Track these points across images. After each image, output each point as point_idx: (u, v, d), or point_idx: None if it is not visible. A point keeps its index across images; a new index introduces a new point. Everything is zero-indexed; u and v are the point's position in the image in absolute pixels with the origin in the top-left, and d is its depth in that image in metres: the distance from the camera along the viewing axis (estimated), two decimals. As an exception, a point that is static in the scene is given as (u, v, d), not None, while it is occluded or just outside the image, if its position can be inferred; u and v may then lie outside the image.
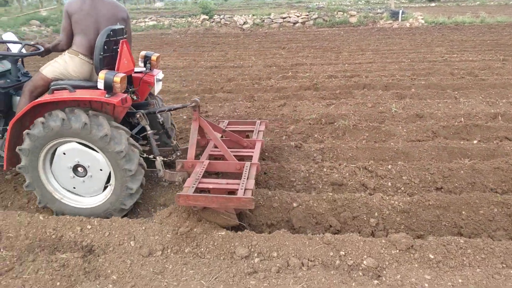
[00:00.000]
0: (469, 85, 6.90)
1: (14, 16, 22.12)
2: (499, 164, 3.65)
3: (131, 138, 3.12)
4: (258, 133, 3.93)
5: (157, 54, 3.74)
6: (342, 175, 3.73)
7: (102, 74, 2.93)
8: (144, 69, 3.68)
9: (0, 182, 3.91)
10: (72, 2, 3.13)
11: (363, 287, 2.30)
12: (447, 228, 3.01)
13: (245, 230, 2.88)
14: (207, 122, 3.46)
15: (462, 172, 3.63)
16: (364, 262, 2.50)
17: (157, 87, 3.73)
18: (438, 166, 3.73)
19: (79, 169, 3.19)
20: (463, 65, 8.80)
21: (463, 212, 3.05)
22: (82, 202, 3.29)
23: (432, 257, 2.49)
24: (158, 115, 3.71)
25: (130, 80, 3.58)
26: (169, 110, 3.65)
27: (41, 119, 3.02)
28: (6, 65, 3.56)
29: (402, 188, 3.58)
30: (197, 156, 3.51)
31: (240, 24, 20.15)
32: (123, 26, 3.28)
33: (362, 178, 3.70)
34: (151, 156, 3.39)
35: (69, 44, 3.23)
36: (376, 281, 2.35)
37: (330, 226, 3.07)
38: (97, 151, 3.09)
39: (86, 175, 3.19)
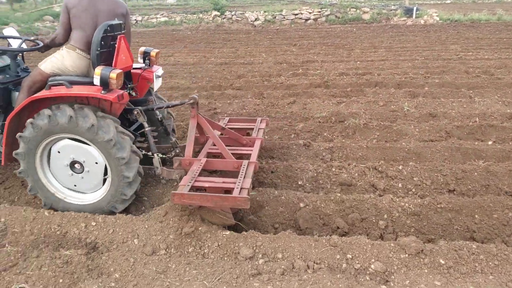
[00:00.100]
0: (484, 84, 6.71)
1: (28, 12, 22.40)
2: (515, 167, 3.53)
3: (120, 126, 3.06)
4: (258, 131, 3.86)
5: (156, 50, 3.70)
6: (351, 175, 3.65)
7: (98, 70, 2.89)
8: (143, 65, 3.64)
9: (8, 177, 3.92)
10: None
11: (370, 292, 2.23)
12: (459, 233, 2.91)
13: (250, 230, 2.82)
14: (206, 119, 3.41)
15: (476, 174, 3.52)
16: (372, 266, 2.42)
17: (157, 84, 3.69)
18: (451, 167, 3.62)
19: (76, 165, 3.18)
20: (478, 63, 8.58)
21: (476, 216, 2.95)
22: (85, 199, 3.28)
23: (442, 262, 2.41)
24: (157, 112, 3.66)
25: (129, 76, 3.55)
26: (167, 107, 3.61)
27: (30, 120, 3.02)
28: (6, 60, 3.55)
29: (413, 190, 3.48)
30: (197, 154, 3.47)
31: (251, 21, 20.04)
32: (121, 22, 3.24)
33: (372, 178, 3.61)
34: (149, 153, 3.36)
35: (66, 38, 3.21)
36: (383, 286, 2.28)
37: (338, 227, 3.00)
38: (89, 144, 3.06)
39: (83, 170, 3.17)
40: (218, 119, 4.12)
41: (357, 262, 2.47)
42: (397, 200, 3.13)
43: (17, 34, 3.68)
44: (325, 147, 4.29)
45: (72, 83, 3.03)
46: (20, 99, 3.16)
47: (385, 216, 3.03)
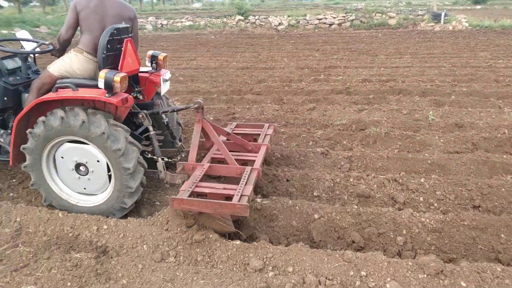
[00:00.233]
0: (515, 93, 6.41)
1: (59, 15, 23.15)
2: (547, 183, 3.30)
3: (112, 120, 3.05)
4: (265, 137, 3.79)
5: (164, 54, 3.69)
6: (370, 186, 3.51)
7: (103, 73, 2.90)
8: (150, 68, 3.64)
9: (27, 177, 3.98)
10: None
11: (384, 313, 2.10)
12: (483, 253, 2.73)
13: (261, 241, 2.74)
14: (211, 124, 3.37)
15: (503, 189, 3.31)
16: (387, 285, 2.29)
17: (164, 87, 3.67)
18: (476, 181, 3.43)
19: (81, 168, 3.20)
20: (509, 71, 8.21)
21: (502, 235, 2.76)
22: (96, 200, 3.27)
23: (464, 285, 2.25)
24: (163, 116, 3.65)
25: (136, 79, 3.55)
26: (173, 111, 3.59)
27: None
28: (17, 62, 3.62)
29: (435, 205, 3.32)
30: (202, 159, 3.43)
31: (275, 25, 20.02)
32: (128, 25, 3.25)
33: (392, 191, 3.46)
34: (155, 157, 3.34)
35: (69, 36, 3.20)
36: (399, 308, 2.15)
37: (353, 242, 2.87)
38: (87, 143, 3.07)
39: (88, 171, 3.18)
40: (226, 124, 4.06)
41: (371, 280, 2.34)
42: (418, 215, 2.98)
43: (30, 37, 3.74)
44: (343, 156, 4.16)
45: (79, 85, 3.05)
46: (28, 100, 3.21)
47: (404, 231, 2.88)
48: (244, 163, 3.35)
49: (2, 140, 3.51)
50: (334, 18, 19.82)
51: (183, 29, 21.10)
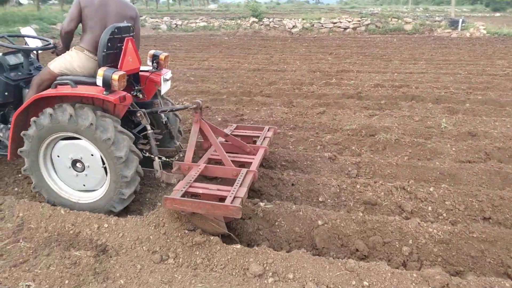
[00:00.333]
0: (532, 103, 6.23)
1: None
2: (562, 197, 3.17)
3: (100, 112, 3.04)
4: (264, 139, 3.75)
5: (165, 54, 3.68)
6: (377, 194, 3.43)
7: (101, 71, 2.90)
8: (151, 68, 3.64)
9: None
10: None
11: (385, 327, 2.03)
12: (492, 267, 2.62)
13: (262, 246, 2.68)
14: (208, 125, 3.34)
15: (516, 202, 3.19)
16: (390, 297, 2.21)
17: (165, 87, 3.67)
18: (488, 193, 3.32)
19: (78, 164, 3.20)
20: (527, 80, 8.01)
21: (514, 249, 2.65)
22: (96, 195, 3.26)
23: (471, 300, 2.16)
24: (162, 115, 3.65)
25: (137, 78, 3.55)
26: (171, 110, 3.58)
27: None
28: (20, 58, 3.64)
29: (444, 215, 3.21)
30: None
31: (289, 28, 19.97)
32: (129, 24, 3.25)
33: (399, 199, 3.37)
34: (152, 156, 3.32)
35: (70, 29, 3.16)
36: (401, 322, 2.07)
37: (357, 250, 2.79)
38: (79, 138, 3.07)
39: (84, 167, 3.18)
40: (226, 126, 4.02)
41: (373, 291, 2.27)
42: (425, 225, 2.88)
43: (34, 34, 3.77)
44: (351, 161, 4.08)
45: (78, 83, 3.06)
46: (28, 96, 3.22)
47: (410, 241, 2.79)
48: (242, 164, 3.32)
49: (1, 134, 3.55)
50: (349, 22, 19.69)
51: (197, 30, 21.21)
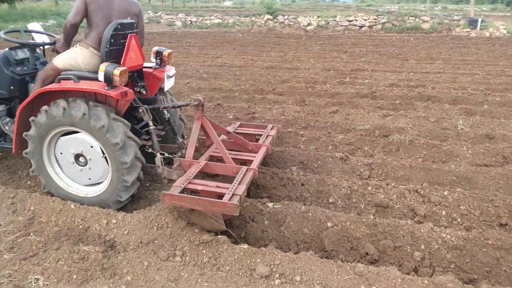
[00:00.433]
0: (554, 106, 6.03)
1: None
2: None
3: (93, 102, 3.06)
4: (266, 137, 3.74)
5: (169, 50, 3.70)
6: (389, 196, 3.35)
7: (103, 66, 2.92)
8: (154, 64, 3.67)
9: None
10: None
11: (394, 334, 1.97)
12: (507, 275, 2.53)
13: (270, 246, 2.65)
14: (210, 122, 3.35)
15: (534, 208, 3.08)
16: (399, 304, 2.16)
17: (168, 83, 3.69)
18: (505, 198, 3.21)
19: (80, 159, 3.24)
20: (549, 82, 7.76)
21: (531, 258, 2.56)
22: (102, 187, 3.28)
23: (484, 310, 2.09)
24: (165, 111, 3.67)
25: (140, 74, 3.58)
26: (173, 107, 3.59)
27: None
28: (26, 53, 3.69)
29: (458, 220, 3.12)
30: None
31: (303, 26, 19.83)
32: (133, 21, 3.26)
33: (412, 202, 3.29)
34: (155, 152, 3.33)
35: (75, 21, 3.13)
36: (410, 330, 2.01)
37: (367, 254, 2.74)
38: (78, 132, 3.12)
39: (87, 160, 3.22)
40: (230, 123, 4.00)
41: (383, 296, 2.21)
42: (438, 230, 2.81)
43: (41, 30, 3.81)
44: (363, 162, 4.00)
45: (81, 78, 3.10)
46: (33, 91, 3.25)
47: (422, 246, 2.72)
48: (243, 162, 3.31)
49: (7, 128, 3.62)
50: (365, 20, 19.43)
51: (212, 27, 21.23)
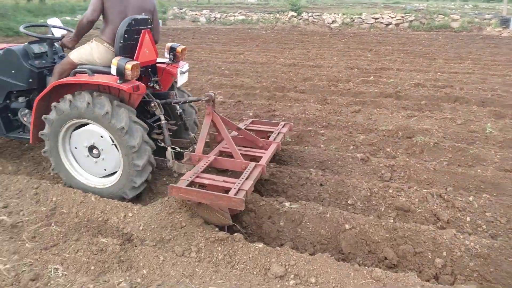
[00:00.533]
0: None
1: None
2: None
3: (92, 92, 3.13)
4: (278, 134, 3.74)
5: (182, 46, 3.75)
6: (411, 200, 3.26)
7: (115, 60, 2.99)
8: (167, 60, 3.72)
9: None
10: None
11: None
12: (536, 288, 2.42)
13: (285, 246, 2.62)
14: (221, 118, 3.37)
15: None
16: (418, 312, 2.09)
17: (181, 79, 3.74)
18: (534, 206, 3.07)
19: (94, 151, 3.31)
20: None
21: (561, 270, 2.43)
22: (117, 176, 3.34)
23: (508, 323, 1.99)
24: (177, 106, 3.71)
25: (154, 70, 3.64)
26: (184, 102, 3.61)
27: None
28: (45, 47, 3.80)
29: (484, 227, 3.00)
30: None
31: (328, 23, 19.56)
32: (147, 17, 3.32)
33: (435, 207, 3.18)
34: (167, 146, 3.36)
35: (93, 18, 3.17)
36: None
37: (385, 258, 2.67)
38: (88, 124, 3.21)
39: (100, 151, 3.29)
40: (242, 120, 4.01)
41: (400, 304, 2.15)
42: (462, 236, 2.70)
43: (60, 25, 3.92)
44: (385, 164, 3.91)
45: (96, 72, 3.18)
46: (50, 83, 3.34)
47: (444, 253, 2.63)
48: (253, 158, 3.31)
49: (25, 119, 3.74)
50: (392, 18, 18.99)
51: (236, 23, 21.23)
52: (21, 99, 3.79)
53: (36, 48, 3.72)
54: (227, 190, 2.69)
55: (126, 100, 3.22)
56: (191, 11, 23.18)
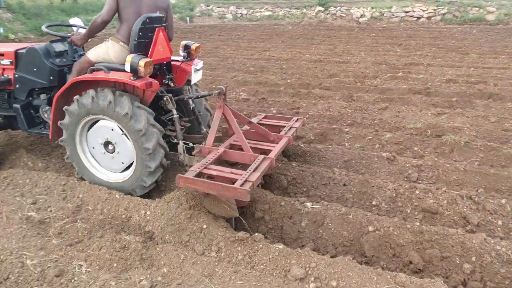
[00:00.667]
0: None
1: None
2: None
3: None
4: (290, 129, 3.73)
5: (196, 44, 3.81)
6: (439, 202, 3.13)
7: (129, 57, 3.06)
8: (182, 57, 3.77)
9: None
10: None
11: None
12: None
13: (306, 248, 2.57)
14: (231, 111, 3.40)
15: None
16: (443, 321, 2.00)
17: (195, 76, 3.79)
18: None
19: (109, 146, 3.40)
20: None
21: None
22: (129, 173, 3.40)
23: (542, 337, 1.87)
24: (190, 101, 3.77)
25: (169, 67, 3.72)
26: (196, 97, 3.67)
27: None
28: (66, 46, 3.90)
29: (517, 231, 2.84)
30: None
31: (356, 17, 19.15)
32: (161, 15, 3.37)
33: (464, 209, 3.04)
34: (178, 140, 3.40)
35: (108, 18, 3.23)
36: None
37: (410, 262, 2.57)
38: (100, 119, 3.31)
39: (114, 145, 3.36)
40: (255, 115, 4.05)
41: (425, 311, 2.06)
42: (492, 241, 2.57)
43: (82, 24, 4.01)
44: (412, 164, 3.77)
45: (111, 69, 3.27)
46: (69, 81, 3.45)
47: (473, 259, 2.50)
48: (263, 152, 3.31)
49: (46, 115, 3.86)
50: (423, 11, 18.36)
51: (262, 19, 21.16)
52: (42, 96, 3.93)
53: (58, 47, 3.85)
54: (234, 182, 2.72)
55: (140, 97, 3.30)
56: (218, 7, 23.27)
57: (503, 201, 3.04)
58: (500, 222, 2.91)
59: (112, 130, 3.30)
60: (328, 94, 6.39)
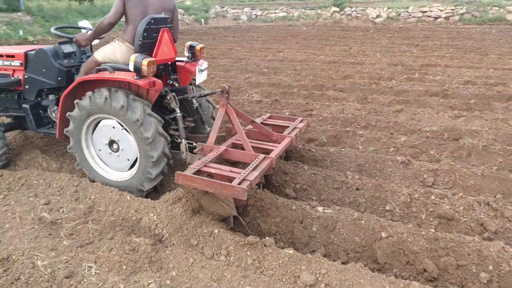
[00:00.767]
0: None
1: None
2: None
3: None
4: (293, 129, 3.71)
5: (201, 45, 3.84)
6: (455, 208, 3.03)
7: (133, 57, 3.10)
8: (186, 58, 3.80)
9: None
10: None
11: None
12: None
13: (316, 253, 2.52)
14: (234, 110, 3.38)
15: None
16: (458, 333, 1.92)
17: (200, 77, 3.81)
18: None
19: (113, 145, 3.43)
20: None
21: None
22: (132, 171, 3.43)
23: None
24: (194, 101, 3.82)
25: (174, 68, 3.77)
26: (199, 96, 3.72)
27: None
28: (74, 47, 3.96)
29: (537, 240, 2.73)
30: None
31: (372, 18, 18.94)
32: (167, 16, 3.40)
33: (482, 216, 2.94)
34: (181, 138, 3.41)
35: (115, 20, 3.30)
36: None
37: (425, 270, 2.50)
38: (101, 120, 3.37)
39: (118, 143, 3.39)
40: (260, 115, 4.01)
41: (439, 322, 1.99)
42: (511, 250, 2.47)
43: (90, 26, 4.08)
44: (428, 168, 3.68)
45: (116, 69, 3.32)
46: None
47: (491, 267, 2.41)
48: (265, 152, 3.28)
49: (54, 115, 3.92)
50: (441, 11, 18.04)
51: (276, 20, 21.13)
52: (51, 97, 4.00)
53: (66, 48, 3.92)
54: (232, 180, 2.70)
55: (144, 96, 3.34)
56: (233, 9, 23.34)
57: (523, 208, 2.93)
58: (519, 230, 2.80)
59: (114, 127, 3.35)
60: (342, 96, 6.31)
